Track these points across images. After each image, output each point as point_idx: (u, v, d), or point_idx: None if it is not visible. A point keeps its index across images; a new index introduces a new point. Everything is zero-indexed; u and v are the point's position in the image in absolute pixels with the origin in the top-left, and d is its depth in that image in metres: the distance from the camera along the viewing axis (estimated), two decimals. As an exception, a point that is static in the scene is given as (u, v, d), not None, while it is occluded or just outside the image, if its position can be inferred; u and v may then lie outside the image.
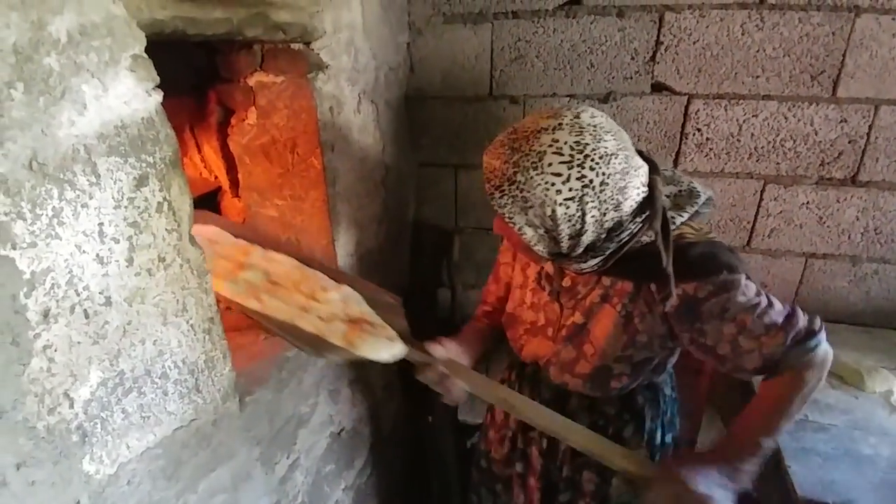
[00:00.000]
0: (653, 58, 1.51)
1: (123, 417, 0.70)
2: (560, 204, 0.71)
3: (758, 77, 1.47)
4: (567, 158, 0.70)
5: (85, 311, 0.63)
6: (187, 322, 0.80)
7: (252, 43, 1.11)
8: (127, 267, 0.68)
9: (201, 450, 0.86)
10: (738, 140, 1.55)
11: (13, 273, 0.53)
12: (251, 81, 1.18)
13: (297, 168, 1.24)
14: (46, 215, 0.57)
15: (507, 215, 0.76)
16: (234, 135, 1.25)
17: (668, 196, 0.82)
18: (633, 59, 1.53)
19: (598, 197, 0.71)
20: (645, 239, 0.79)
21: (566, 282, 0.93)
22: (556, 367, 0.97)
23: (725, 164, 1.59)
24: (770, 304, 0.79)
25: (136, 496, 0.73)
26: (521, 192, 0.73)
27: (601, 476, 1.01)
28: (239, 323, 1.19)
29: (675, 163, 1.62)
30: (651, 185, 0.77)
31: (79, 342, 0.62)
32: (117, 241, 0.66)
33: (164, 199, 0.73)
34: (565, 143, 0.70)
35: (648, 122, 1.59)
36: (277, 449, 1.10)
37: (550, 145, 0.70)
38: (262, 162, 1.26)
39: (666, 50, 1.49)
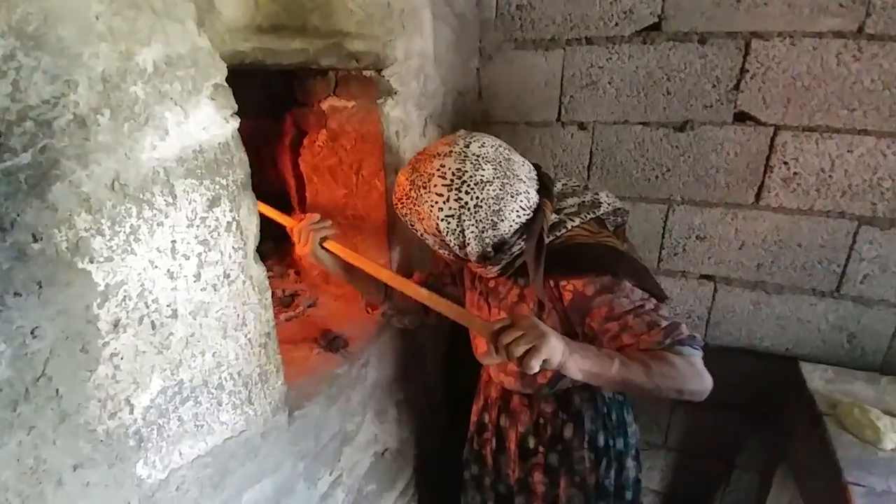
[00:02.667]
0: (736, 86, 1.42)
1: (179, 425, 0.73)
2: (441, 220, 0.85)
3: (854, 110, 1.33)
4: (448, 182, 0.83)
5: (152, 322, 0.67)
6: (245, 336, 0.83)
7: (327, 70, 1.16)
8: (194, 282, 0.72)
9: (248, 461, 0.89)
10: (830, 176, 1.41)
11: (88, 285, 0.58)
12: (324, 106, 1.23)
13: (360, 189, 1.27)
14: (124, 232, 0.61)
15: (408, 223, 0.93)
16: (304, 155, 1.30)
17: (572, 206, 0.95)
18: (714, 87, 1.44)
19: (474, 216, 0.84)
20: (556, 234, 0.91)
21: (491, 283, 1.03)
22: (494, 367, 1.12)
23: (815, 201, 1.45)
24: (655, 309, 0.85)
25: (183, 502, 0.76)
26: (414, 205, 0.87)
27: (550, 478, 1.09)
28: (293, 336, 1.22)
29: (758, 196, 1.50)
30: (536, 209, 0.88)
31: (144, 351, 0.66)
32: (187, 258, 0.70)
33: (234, 219, 0.77)
34: (449, 168, 0.83)
35: (729, 152, 1.49)
36: (321, 465, 1.11)
37: (438, 169, 0.84)
38: (328, 182, 1.31)
39: (752, 78, 1.39)
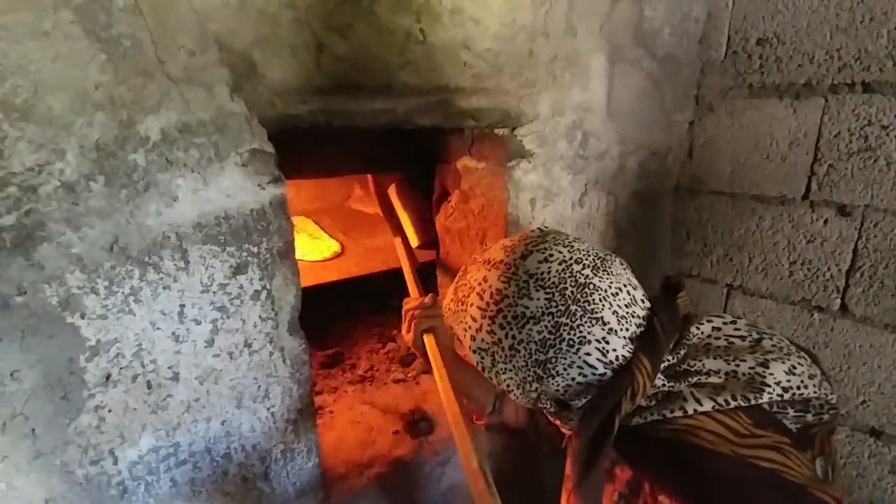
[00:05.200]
0: None
1: (171, 486, 0.72)
2: (474, 351, 0.62)
3: None
4: (483, 305, 0.59)
5: (148, 381, 0.67)
6: (268, 409, 0.78)
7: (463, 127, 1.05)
8: (205, 347, 0.70)
9: (256, 540, 0.83)
10: None
11: (75, 339, 0.60)
12: (459, 165, 1.12)
13: (483, 260, 1.11)
14: (122, 292, 0.62)
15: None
16: (439, 214, 1.22)
17: (713, 374, 0.56)
18: None
19: (510, 361, 0.59)
20: (668, 414, 0.55)
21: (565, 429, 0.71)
22: None
23: None
24: None
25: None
26: (452, 319, 0.65)
27: None
28: (387, 405, 1.13)
29: None
30: (622, 368, 0.55)
31: (135, 409, 0.66)
32: (199, 323, 0.69)
33: (264, 287, 0.73)
34: (490, 286, 0.59)
35: None
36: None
37: (480, 284, 0.61)
38: (457, 246, 1.19)
39: None
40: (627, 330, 0.56)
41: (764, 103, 1.17)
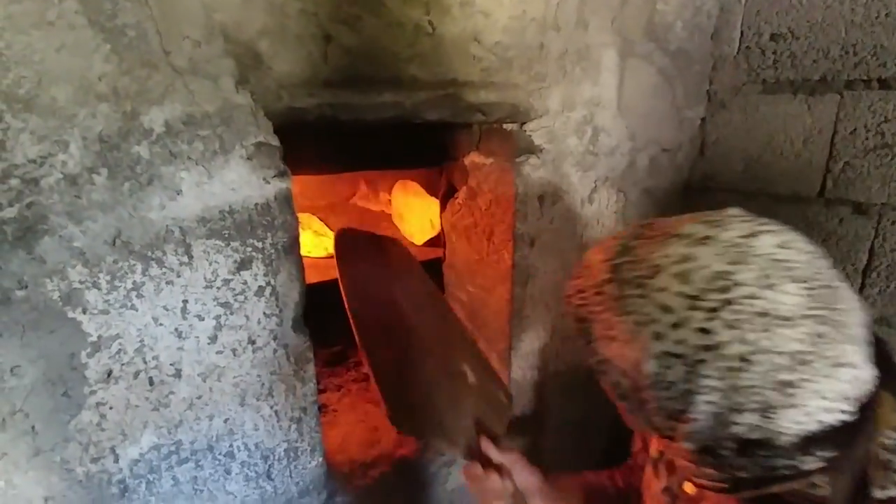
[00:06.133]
0: None
1: (173, 485, 0.71)
2: (655, 356, 0.43)
3: None
4: (693, 292, 0.42)
5: (150, 378, 0.65)
6: (271, 407, 0.77)
7: (471, 123, 1.04)
8: (208, 344, 0.69)
9: (260, 539, 0.82)
10: None
11: (76, 334, 0.59)
12: (466, 161, 1.10)
13: (490, 258, 1.09)
14: (125, 287, 0.61)
15: (584, 336, 0.51)
16: (446, 212, 1.20)
17: None
18: None
19: (727, 378, 0.40)
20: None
21: (688, 487, 0.59)
22: None
23: None
24: None
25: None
26: (605, 309, 0.47)
27: None
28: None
29: None
30: (866, 408, 0.41)
31: (137, 405, 0.65)
32: (202, 319, 0.68)
33: (268, 283, 0.72)
34: (704, 266, 0.42)
35: None
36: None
37: (678, 261, 0.43)
38: (464, 244, 1.17)
39: None
40: (867, 349, 0.42)
41: (778, 99, 1.14)
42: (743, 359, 0.40)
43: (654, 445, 0.69)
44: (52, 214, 0.54)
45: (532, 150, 0.97)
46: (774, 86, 1.14)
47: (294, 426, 0.80)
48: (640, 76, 1.11)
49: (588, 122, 1.03)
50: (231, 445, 0.75)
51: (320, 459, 0.85)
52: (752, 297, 0.40)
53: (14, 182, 0.52)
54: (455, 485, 1.06)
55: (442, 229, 1.25)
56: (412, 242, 1.77)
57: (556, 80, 0.95)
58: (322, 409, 1.15)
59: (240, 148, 0.65)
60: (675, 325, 0.42)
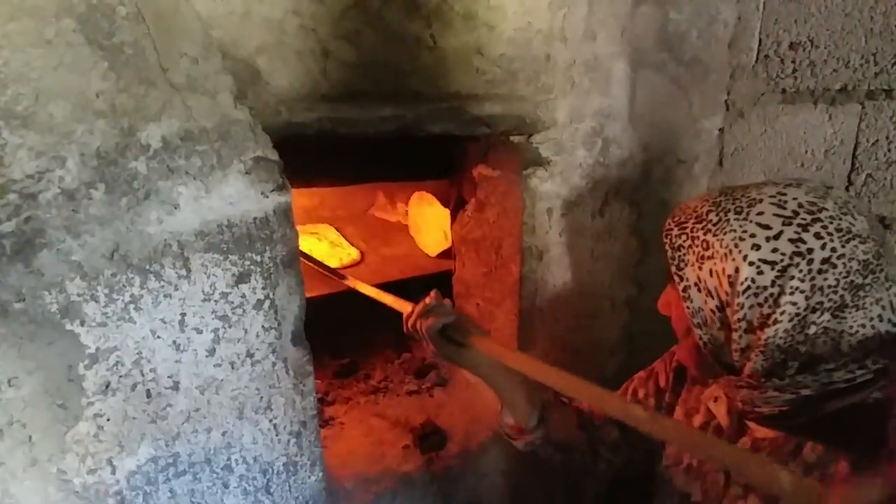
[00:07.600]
0: None
1: (170, 497, 0.71)
2: (751, 263, 0.53)
3: None
4: (788, 213, 0.53)
5: (147, 390, 0.66)
6: (270, 421, 0.76)
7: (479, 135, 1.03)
8: (206, 357, 0.69)
9: (258, 554, 0.81)
10: None
11: (74, 346, 0.60)
12: (475, 173, 1.09)
13: (498, 271, 1.07)
14: (123, 300, 0.61)
15: (676, 264, 0.60)
16: (455, 223, 1.19)
17: None
18: None
19: (813, 279, 0.51)
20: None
21: (744, 443, 0.63)
22: None
23: None
24: None
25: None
26: (705, 232, 0.57)
27: None
28: (398, 416, 1.11)
29: None
30: None
31: (134, 417, 0.66)
32: (200, 332, 0.68)
33: (267, 296, 0.72)
34: (794, 198, 0.54)
35: None
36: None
37: (772, 196, 0.54)
38: (472, 256, 1.16)
39: None
40: None
41: (798, 109, 1.10)
42: (825, 261, 0.50)
43: (700, 417, 0.72)
44: (50, 228, 0.55)
45: (539, 162, 0.96)
46: (794, 95, 1.10)
47: (293, 440, 0.79)
48: (654, 86, 1.08)
49: (598, 134, 1.01)
50: (229, 459, 0.74)
51: (320, 474, 0.84)
52: (834, 217, 0.51)
53: (12, 197, 0.53)
54: (461, 503, 1.04)
55: (452, 241, 1.24)
56: (426, 254, 1.76)
57: (563, 92, 0.94)
58: (329, 421, 1.15)
59: (238, 163, 0.65)
60: (770, 238, 0.52)
